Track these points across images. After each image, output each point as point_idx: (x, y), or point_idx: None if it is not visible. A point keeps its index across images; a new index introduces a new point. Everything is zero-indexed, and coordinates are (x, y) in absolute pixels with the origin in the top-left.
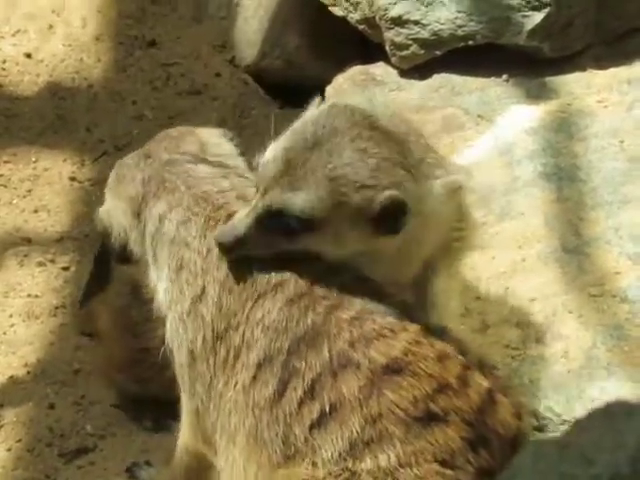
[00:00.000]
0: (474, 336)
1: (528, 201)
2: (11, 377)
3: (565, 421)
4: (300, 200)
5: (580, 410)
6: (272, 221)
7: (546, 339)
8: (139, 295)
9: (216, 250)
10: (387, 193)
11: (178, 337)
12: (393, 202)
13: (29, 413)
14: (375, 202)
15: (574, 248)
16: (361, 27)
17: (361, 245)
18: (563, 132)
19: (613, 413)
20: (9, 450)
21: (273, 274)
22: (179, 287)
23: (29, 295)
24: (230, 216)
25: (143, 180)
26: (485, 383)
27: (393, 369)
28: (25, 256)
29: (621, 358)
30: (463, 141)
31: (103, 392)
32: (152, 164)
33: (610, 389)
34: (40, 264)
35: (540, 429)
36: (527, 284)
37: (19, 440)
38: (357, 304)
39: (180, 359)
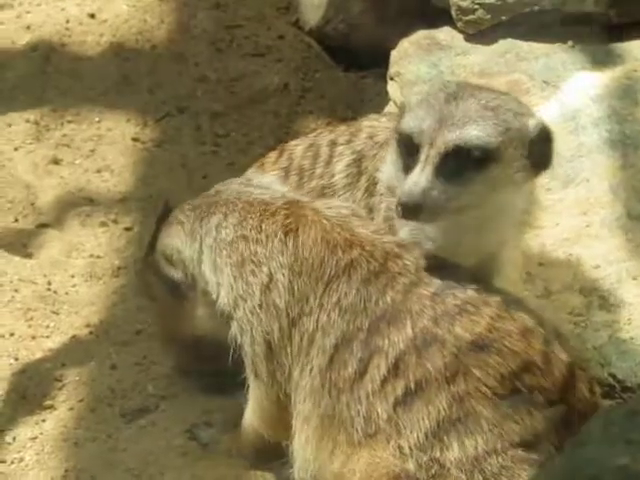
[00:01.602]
0: (538, 302)
1: (593, 167)
2: (73, 337)
3: (628, 388)
4: (474, 131)
5: None
6: (448, 164)
7: (610, 306)
8: None
9: (278, 235)
10: (537, 119)
11: (252, 331)
12: (542, 128)
13: (91, 373)
14: (530, 126)
15: (639, 215)
16: None
17: (523, 178)
18: (628, 99)
19: None
20: (71, 409)
21: (340, 252)
22: (244, 281)
23: (91, 255)
24: (287, 203)
25: (192, 206)
26: (565, 357)
27: (479, 345)
28: (87, 216)
29: None
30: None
31: (164, 354)
32: (196, 202)
33: None
34: (102, 224)
35: (604, 396)
36: (591, 250)
37: (81, 400)
38: (436, 279)
39: (255, 351)
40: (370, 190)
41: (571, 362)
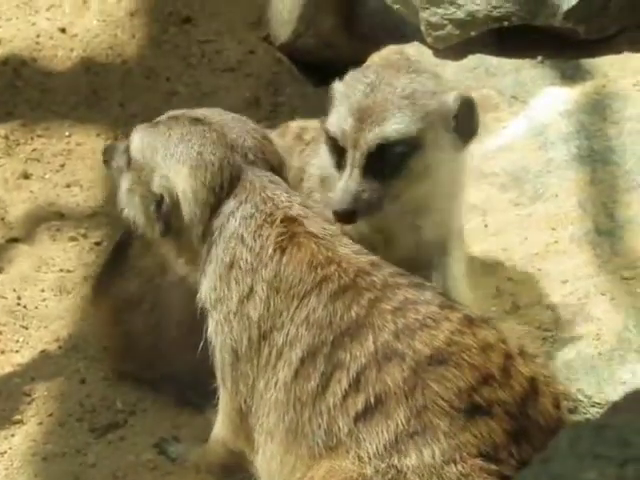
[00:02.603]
0: (505, 317)
1: (561, 183)
2: (43, 351)
3: (596, 403)
4: (393, 124)
5: (611, 393)
6: (375, 163)
7: (578, 321)
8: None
9: (268, 249)
10: (455, 93)
11: (222, 335)
12: (464, 100)
13: (60, 388)
14: (450, 101)
15: (607, 230)
16: (396, 7)
17: (453, 153)
18: (597, 114)
19: None
20: (40, 424)
21: (319, 270)
22: (227, 285)
23: (61, 270)
24: (286, 218)
25: (230, 176)
26: (527, 372)
27: (437, 360)
28: (57, 230)
29: None
30: (497, 122)
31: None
32: (237, 160)
33: None
34: (72, 239)
35: (571, 411)
36: (559, 266)
37: (50, 414)
38: (400, 295)
39: (223, 357)
40: (296, 186)
41: (533, 377)
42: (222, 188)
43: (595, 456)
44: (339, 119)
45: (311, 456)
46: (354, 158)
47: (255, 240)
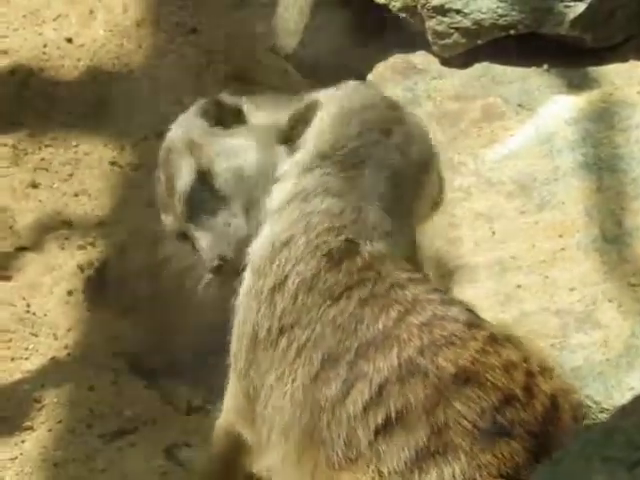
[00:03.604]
0: (514, 324)
1: (568, 191)
2: (52, 358)
3: (604, 409)
4: (180, 174)
5: (619, 399)
6: (198, 211)
7: (585, 328)
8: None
9: (323, 251)
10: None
11: (247, 312)
12: (203, 106)
13: (70, 394)
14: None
15: (614, 238)
16: (402, 15)
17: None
18: (604, 122)
19: None
20: (50, 430)
21: (356, 274)
22: (270, 263)
23: (69, 278)
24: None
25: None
26: (548, 390)
27: (461, 379)
28: (66, 239)
29: None
30: (503, 130)
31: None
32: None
33: None
34: (81, 247)
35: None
36: (567, 273)
37: (60, 421)
38: (428, 310)
39: (241, 335)
40: None
41: (554, 394)
42: None
43: (604, 459)
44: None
45: (330, 465)
46: (188, 228)
47: (308, 234)
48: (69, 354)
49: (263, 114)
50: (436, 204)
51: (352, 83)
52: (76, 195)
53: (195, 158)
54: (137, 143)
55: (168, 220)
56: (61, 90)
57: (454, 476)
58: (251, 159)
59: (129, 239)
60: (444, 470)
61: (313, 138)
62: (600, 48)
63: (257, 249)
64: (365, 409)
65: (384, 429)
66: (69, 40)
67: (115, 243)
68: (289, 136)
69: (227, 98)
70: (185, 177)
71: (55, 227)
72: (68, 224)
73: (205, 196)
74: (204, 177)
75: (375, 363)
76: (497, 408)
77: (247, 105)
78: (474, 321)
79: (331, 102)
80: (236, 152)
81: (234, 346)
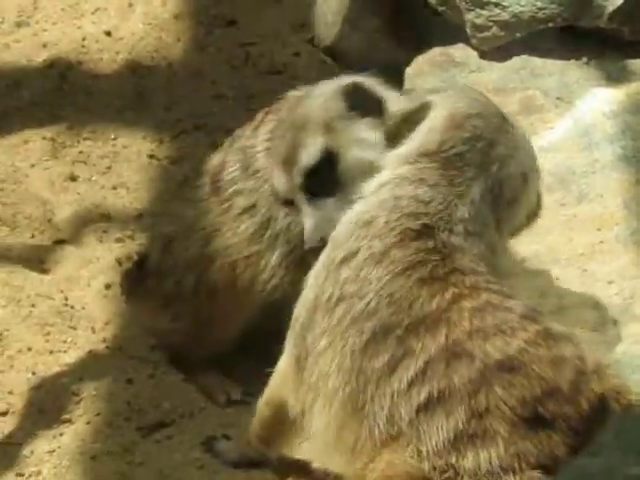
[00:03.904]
0: (551, 317)
1: (607, 183)
2: (90, 352)
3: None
4: (307, 150)
5: None
6: (313, 187)
7: (623, 321)
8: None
9: (400, 229)
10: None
11: (315, 279)
12: (347, 87)
13: (108, 387)
14: (338, 98)
15: None
16: (441, 9)
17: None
18: None
19: None
20: (88, 423)
21: (421, 254)
22: (348, 237)
23: (108, 271)
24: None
25: None
26: (599, 389)
27: (506, 366)
28: (104, 232)
29: None
30: (542, 123)
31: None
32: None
33: None
34: (119, 240)
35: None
36: (605, 266)
37: (98, 414)
38: (483, 297)
39: (305, 300)
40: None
41: (605, 395)
42: None
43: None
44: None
45: (372, 441)
46: (299, 200)
47: (390, 216)
48: (107, 347)
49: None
50: (532, 216)
51: (463, 87)
52: (114, 188)
53: (327, 139)
54: (175, 136)
55: (281, 181)
56: (100, 83)
57: (490, 462)
58: (377, 156)
59: (173, 232)
60: (480, 455)
61: (421, 136)
62: (638, 41)
63: (340, 226)
64: (409, 385)
65: (425, 408)
66: (108, 33)
67: (156, 236)
68: (394, 133)
69: (370, 85)
70: (312, 153)
71: (93, 220)
72: (106, 217)
73: (325, 177)
74: (330, 159)
75: (424, 342)
76: (540, 399)
77: (389, 96)
78: (530, 314)
79: (444, 105)
80: (367, 145)
81: (297, 310)
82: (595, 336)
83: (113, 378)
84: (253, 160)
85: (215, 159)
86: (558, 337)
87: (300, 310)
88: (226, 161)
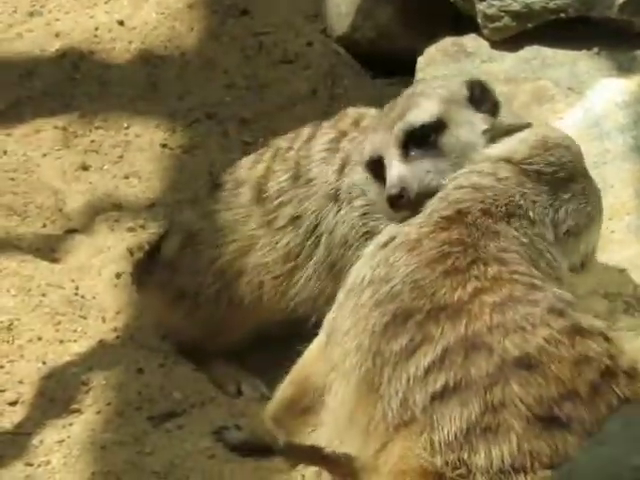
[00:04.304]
0: None
1: (618, 174)
2: (101, 341)
3: None
4: (420, 110)
5: None
6: (410, 147)
7: (635, 310)
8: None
9: (437, 216)
10: (462, 80)
11: (358, 261)
12: (472, 84)
13: (118, 377)
14: (458, 87)
15: None
16: None
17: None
18: None
19: None
20: (98, 413)
21: (446, 246)
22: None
23: (119, 260)
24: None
25: None
26: (626, 393)
27: (524, 364)
28: (116, 221)
29: None
30: (553, 113)
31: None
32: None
33: None
34: (130, 229)
35: None
36: (616, 256)
37: (108, 403)
38: (506, 290)
39: (346, 280)
40: (342, 171)
41: (628, 398)
42: None
43: None
44: (373, 143)
45: (385, 425)
46: (392, 156)
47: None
48: (118, 337)
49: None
50: (583, 264)
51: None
52: (126, 177)
53: (441, 109)
54: (188, 125)
55: (375, 140)
56: (112, 73)
57: (502, 459)
58: (476, 146)
59: (199, 230)
60: (493, 451)
61: (511, 144)
62: None
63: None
64: (426, 372)
65: (441, 396)
66: (121, 23)
67: (174, 227)
68: (494, 138)
69: (492, 88)
70: (422, 114)
71: (105, 209)
72: (118, 206)
73: (427, 139)
74: (437, 126)
75: (443, 328)
76: (556, 400)
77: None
78: (558, 307)
79: (542, 128)
80: (475, 134)
81: (339, 292)
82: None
83: (123, 368)
84: (306, 170)
85: (258, 168)
86: (587, 333)
87: (341, 290)
88: (274, 171)
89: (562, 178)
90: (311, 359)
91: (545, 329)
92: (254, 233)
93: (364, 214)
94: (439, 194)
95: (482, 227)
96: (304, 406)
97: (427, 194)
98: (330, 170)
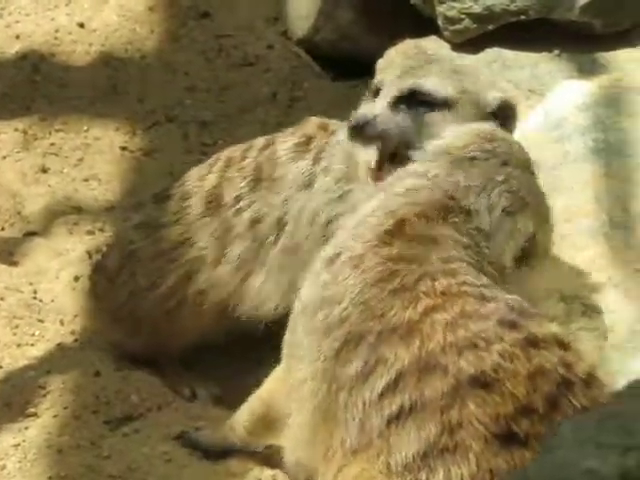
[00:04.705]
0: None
1: (577, 176)
2: (58, 345)
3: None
4: (432, 82)
5: (624, 383)
6: (403, 103)
7: (591, 313)
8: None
9: (379, 231)
10: (501, 95)
11: (304, 288)
12: (506, 103)
13: (76, 380)
14: (489, 98)
15: (621, 223)
16: (414, 1)
17: None
18: (614, 107)
19: None
20: (55, 417)
21: (390, 264)
22: (348, 236)
23: (78, 263)
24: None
25: None
26: (583, 403)
27: (480, 382)
28: (75, 224)
29: None
30: None
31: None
32: None
33: None
34: (89, 232)
35: None
36: (574, 258)
37: (65, 407)
38: (457, 306)
39: (297, 304)
40: (317, 159)
41: (586, 408)
42: None
43: (597, 444)
44: (382, 72)
45: (343, 451)
46: (388, 93)
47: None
48: (76, 340)
49: None
50: (526, 257)
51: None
52: (86, 180)
53: (452, 86)
54: (148, 128)
55: (381, 76)
56: (73, 75)
57: (462, 478)
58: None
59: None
60: (451, 470)
61: (450, 138)
62: (610, 34)
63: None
64: (381, 395)
65: (397, 419)
66: (81, 25)
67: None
68: None
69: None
70: (431, 83)
71: (64, 212)
72: (77, 209)
73: (414, 95)
74: (439, 103)
75: (397, 352)
76: (513, 417)
77: None
78: (511, 319)
79: (488, 127)
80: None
81: (294, 307)
82: (563, 328)
83: (81, 371)
84: (270, 172)
85: (209, 179)
86: (542, 343)
87: (293, 314)
88: (229, 179)
89: (495, 163)
90: (275, 381)
91: (499, 345)
92: (202, 253)
93: (339, 179)
94: (377, 202)
95: (422, 236)
96: (274, 424)
97: (389, 139)
98: (303, 163)
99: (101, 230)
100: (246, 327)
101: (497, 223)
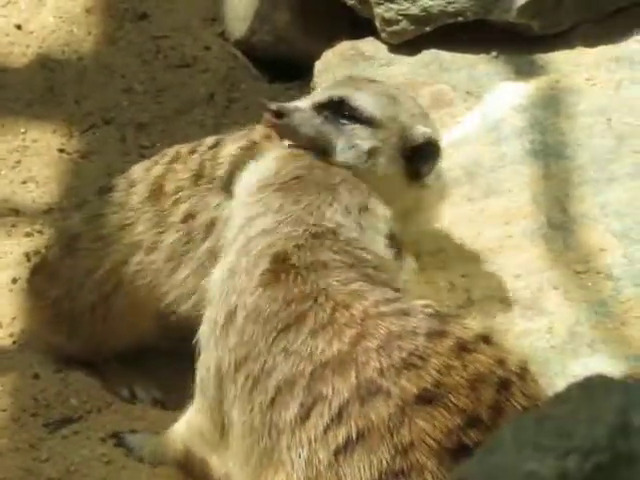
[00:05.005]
0: (459, 312)
1: (515, 178)
2: None
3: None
4: (364, 99)
5: (563, 385)
6: (329, 110)
7: (530, 315)
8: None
9: (259, 272)
10: (430, 132)
11: (210, 343)
12: (432, 141)
13: (14, 383)
14: (420, 134)
15: (560, 225)
16: (351, 2)
17: (390, 169)
18: (551, 109)
19: (592, 387)
20: None
21: (294, 305)
22: (224, 291)
23: (16, 266)
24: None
25: None
26: (522, 401)
27: (425, 399)
28: (13, 226)
29: (604, 335)
30: (451, 117)
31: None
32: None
33: (593, 366)
34: (27, 235)
35: None
36: (513, 260)
37: (4, 410)
38: (382, 328)
39: (207, 364)
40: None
41: (527, 406)
42: None
43: (536, 447)
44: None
45: None
46: (318, 94)
47: (256, 259)
48: (14, 342)
49: None
50: (397, 252)
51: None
52: (24, 182)
53: (380, 116)
54: (86, 130)
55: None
56: (9, 77)
57: None
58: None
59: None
60: None
61: (258, 173)
62: (547, 35)
63: (215, 276)
64: (325, 430)
65: (345, 450)
66: (18, 27)
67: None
68: None
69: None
70: (363, 102)
71: (2, 214)
72: (15, 211)
73: (342, 105)
74: (364, 120)
75: (334, 385)
76: (462, 429)
77: None
78: (437, 329)
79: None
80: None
81: (202, 373)
82: (502, 330)
83: (19, 373)
84: (211, 172)
85: (156, 169)
86: (472, 345)
87: (206, 375)
88: (174, 170)
89: (319, 174)
90: (201, 439)
91: (435, 358)
92: (139, 238)
93: None
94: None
95: (309, 265)
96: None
97: (300, 137)
98: None
99: (39, 232)
100: (184, 328)
101: (361, 221)
